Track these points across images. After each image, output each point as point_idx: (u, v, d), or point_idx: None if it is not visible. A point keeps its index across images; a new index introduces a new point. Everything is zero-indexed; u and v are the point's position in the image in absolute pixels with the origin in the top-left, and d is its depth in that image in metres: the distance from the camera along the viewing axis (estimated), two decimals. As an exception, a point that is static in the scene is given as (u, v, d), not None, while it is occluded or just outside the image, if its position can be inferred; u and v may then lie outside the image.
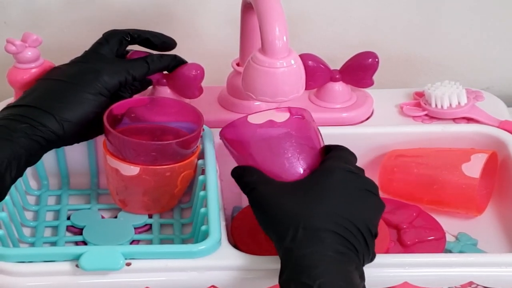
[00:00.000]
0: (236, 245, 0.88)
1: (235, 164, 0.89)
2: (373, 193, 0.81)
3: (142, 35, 0.97)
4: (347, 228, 0.76)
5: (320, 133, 0.88)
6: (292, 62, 0.85)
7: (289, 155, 0.84)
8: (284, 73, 0.85)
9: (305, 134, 0.86)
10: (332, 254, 0.74)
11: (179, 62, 0.98)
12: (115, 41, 0.95)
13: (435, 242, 0.93)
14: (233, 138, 0.88)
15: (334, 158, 0.84)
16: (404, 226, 0.94)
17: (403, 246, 0.93)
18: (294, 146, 0.85)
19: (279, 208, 0.79)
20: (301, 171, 0.84)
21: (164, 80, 1.00)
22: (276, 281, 0.80)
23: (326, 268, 0.73)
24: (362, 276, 0.75)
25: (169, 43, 0.99)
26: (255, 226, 0.91)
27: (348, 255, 0.75)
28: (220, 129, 0.97)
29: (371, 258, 0.79)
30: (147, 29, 0.97)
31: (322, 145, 0.88)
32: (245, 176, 0.84)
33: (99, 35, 0.96)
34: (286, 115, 0.86)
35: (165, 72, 1.00)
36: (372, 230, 0.78)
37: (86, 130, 0.90)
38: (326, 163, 0.83)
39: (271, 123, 0.86)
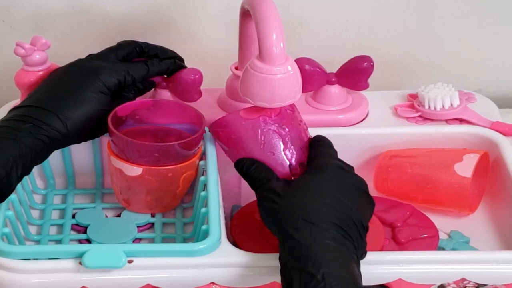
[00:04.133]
0: (235, 243, 0.88)
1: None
2: (363, 190, 0.82)
3: (152, 50, 0.97)
4: (345, 220, 0.77)
5: (306, 125, 0.89)
6: (289, 68, 0.85)
7: (282, 149, 0.85)
8: (281, 79, 0.84)
9: (296, 128, 0.87)
10: (333, 244, 0.75)
11: (178, 66, 0.98)
12: (125, 50, 0.95)
13: (429, 240, 0.92)
14: (224, 134, 0.88)
15: (324, 155, 0.85)
16: (398, 224, 0.94)
17: (398, 244, 0.92)
18: (285, 140, 0.85)
19: (281, 204, 0.79)
20: (294, 163, 0.85)
21: (165, 84, 1.00)
22: (273, 278, 0.81)
23: (329, 258, 0.73)
24: (359, 266, 0.76)
25: (177, 59, 0.99)
26: (253, 224, 0.91)
27: (347, 246, 0.76)
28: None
29: (363, 254, 0.79)
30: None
31: (308, 135, 0.88)
32: (253, 171, 0.85)
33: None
34: (277, 111, 0.86)
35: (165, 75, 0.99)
36: (364, 224, 0.79)
37: (90, 128, 0.89)
38: (318, 160, 0.84)
39: (263, 119, 0.86)
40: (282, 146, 0.85)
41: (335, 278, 0.71)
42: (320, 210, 0.78)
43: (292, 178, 0.85)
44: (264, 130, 0.85)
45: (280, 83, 0.84)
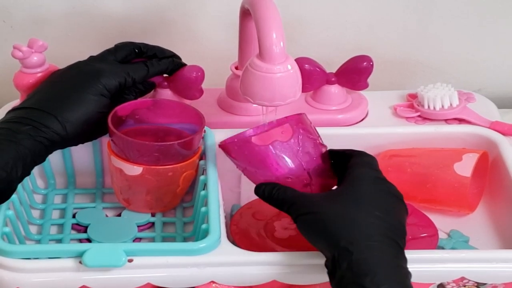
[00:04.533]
0: (234, 242, 0.88)
1: (234, 166, 0.89)
2: (401, 199, 0.80)
3: (150, 50, 0.97)
4: (396, 233, 0.76)
5: (318, 134, 0.87)
6: (289, 67, 0.85)
7: (298, 172, 0.83)
8: (281, 78, 0.84)
9: (310, 144, 0.84)
10: (389, 258, 0.73)
11: (177, 65, 0.98)
12: (123, 52, 0.95)
13: (428, 239, 0.92)
14: (236, 156, 0.85)
15: (361, 164, 0.82)
16: (398, 224, 0.94)
17: (397, 243, 0.92)
18: (300, 163, 0.83)
19: (327, 216, 0.76)
20: (312, 182, 0.83)
21: (166, 83, 1.00)
22: (272, 277, 0.81)
23: (387, 273, 0.72)
24: (410, 278, 0.75)
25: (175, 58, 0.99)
26: (253, 224, 0.91)
27: (401, 258, 0.74)
28: (220, 130, 0.97)
29: None
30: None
31: (321, 146, 0.85)
32: (277, 194, 0.81)
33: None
34: (289, 133, 0.83)
35: (165, 75, 0.99)
36: (405, 232, 0.78)
37: (89, 131, 0.89)
38: (356, 170, 0.81)
39: (276, 145, 0.82)
40: (298, 169, 0.83)
41: None
42: (374, 223, 0.75)
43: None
44: (277, 155, 0.82)
45: (280, 82, 0.84)
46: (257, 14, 0.85)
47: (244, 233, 0.91)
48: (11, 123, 0.85)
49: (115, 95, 0.91)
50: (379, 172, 0.82)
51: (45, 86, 0.91)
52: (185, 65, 0.99)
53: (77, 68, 0.92)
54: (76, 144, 0.90)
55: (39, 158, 0.85)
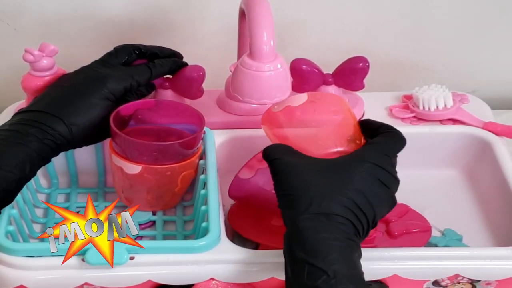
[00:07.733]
0: (233, 230, 0.88)
1: (233, 165, 0.89)
2: (391, 189, 0.79)
3: (150, 50, 0.97)
4: (360, 219, 0.75)
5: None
6: (278, 66, 0.85)
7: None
8: (270, 77, 0.84)
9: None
10: (344, 241, 0.73)
11: (179, 65, 0.98)
12: (124, 54, 0.95)
13: (421, 234, 0.92)
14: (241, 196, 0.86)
15: (371, 147, 0.81)
16: (393, 220, 0.94)
17: (391, 237, 0.92)
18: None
19: (302, 182, 0.76)
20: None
21: (167, 84, 1.00)
22: (271, 274, 0.81)
23: (340, 255, 0.72)
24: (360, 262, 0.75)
25: (176, 57, 0.99)
26: (252, 211, 0.90)
27: (356, 243, 0.74)
28: (219, 130, 0.97)
29: None
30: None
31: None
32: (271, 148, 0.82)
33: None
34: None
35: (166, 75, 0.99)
36: (375, 221, 0.77)
37: (94, 134, 0.89)
38: (360, 151, 0.80)
39: (261, 171, 0.82)
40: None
41: (346, 276, 0.70)
42: (339, 204, 0.75)
43: None
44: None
45: (269, 81, 0.84)
46: (250, 14, 0.86)
47: (244, 221, 0.91)
48: (19, 125, 0.85)
49: (119, 98, 0.91)
50: (389, 155, 0.80)
51: (52, 90, 0.91)
52: (186, 64, 0.99)
53: (83, 74, 0.92)
54: (80, 147, 0.90)
55: (45, 160, 0.85)
